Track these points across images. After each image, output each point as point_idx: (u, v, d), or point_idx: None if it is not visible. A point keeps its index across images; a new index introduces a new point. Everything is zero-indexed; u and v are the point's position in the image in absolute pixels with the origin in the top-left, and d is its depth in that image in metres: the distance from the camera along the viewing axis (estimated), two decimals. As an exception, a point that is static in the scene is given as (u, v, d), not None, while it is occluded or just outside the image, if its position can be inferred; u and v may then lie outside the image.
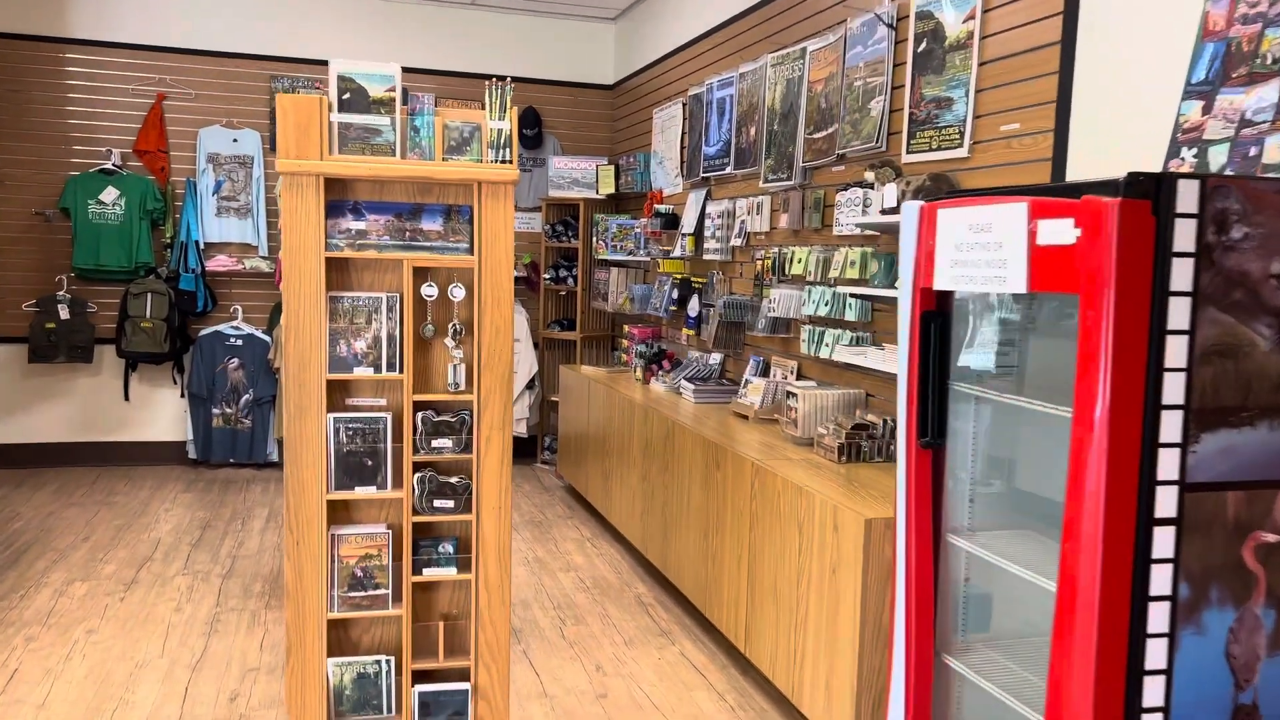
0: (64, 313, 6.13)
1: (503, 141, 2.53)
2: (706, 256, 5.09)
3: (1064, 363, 2.14)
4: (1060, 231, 1.77)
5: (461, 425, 2.56)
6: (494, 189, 2.59)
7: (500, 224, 2.59)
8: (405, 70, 6.75)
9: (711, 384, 4.78)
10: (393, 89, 2.39)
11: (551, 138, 7.08)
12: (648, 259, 6.02)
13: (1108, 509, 1.69)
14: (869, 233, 3.66)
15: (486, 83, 2.58)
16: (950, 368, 2.25)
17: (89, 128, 6.27)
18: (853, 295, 3.66)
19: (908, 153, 3.46)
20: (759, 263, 4.54)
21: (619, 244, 6.31)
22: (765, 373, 4.58)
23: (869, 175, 3.34)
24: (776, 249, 4.37)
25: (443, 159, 2.55)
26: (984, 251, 1.96)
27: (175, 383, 6.54)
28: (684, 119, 5.68)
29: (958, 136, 3.21)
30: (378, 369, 2.50)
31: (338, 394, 2.66)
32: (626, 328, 6.12)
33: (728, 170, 4.94)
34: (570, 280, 6.77)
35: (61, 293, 6.18)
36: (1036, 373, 2.23)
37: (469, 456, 2.63)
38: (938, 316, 2.20)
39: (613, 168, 6.51)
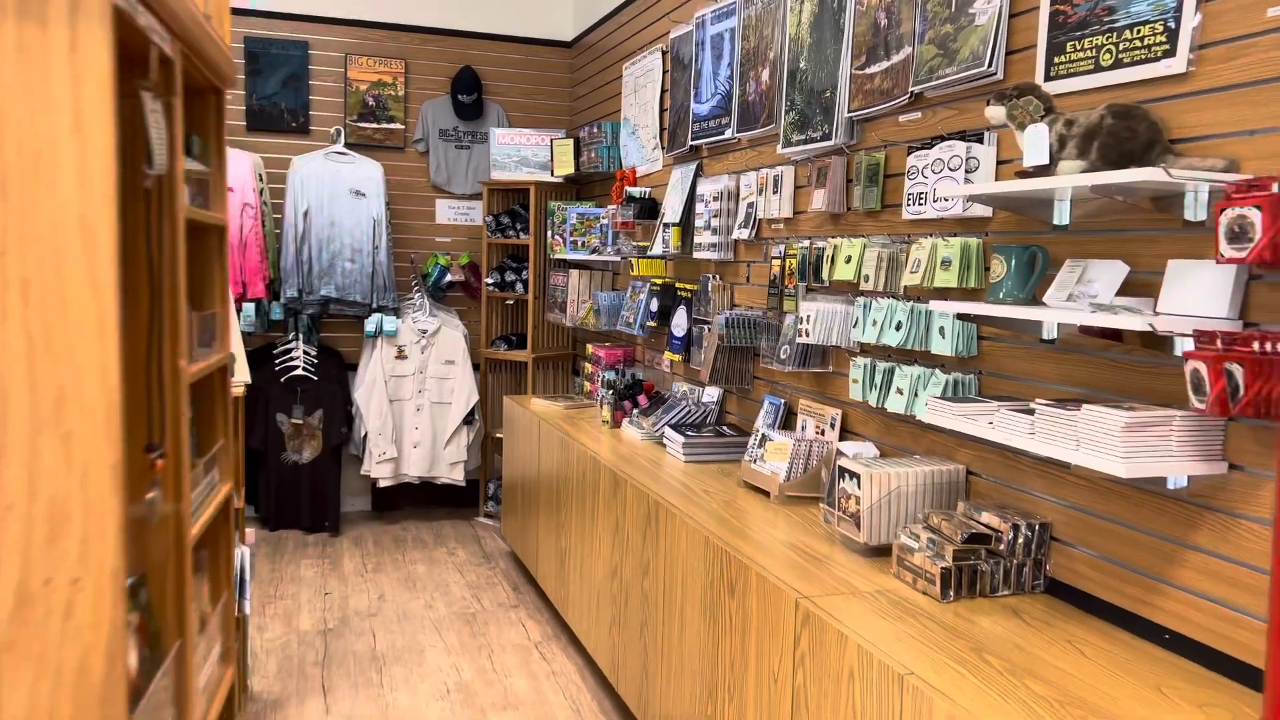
0: None
1: None
2: (698, 255, 3.69)
3: None
4: None
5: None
6: None
7: (42, 94, 1.11)
8: (300, 18, 5.28)
9: (708, 434, 3.38)
10: None
11: (495, 107, 5.64)
12: (618, 258, 4.61)
13: None
14: (977, 212, 2.27)
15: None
16: None
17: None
18: (956, 315, 2.27)
19: (1047, 78, 2.08)
20: (776, 263, 3.14)
21: (580, 239, 4.89)
22: (788, 423, 3.18)
23: (993, 113, 1.95)
24: (806, 242, 2.98)
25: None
26: None
27: None
28: (664, 71, 4.28)
29: (1163, 41, 1.82)
30: None
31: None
32: (590, 348, 4.71)
33: (728, 134, 3.54)
34: (519, 286, 5.34)
35: None
36: None
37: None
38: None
39: (571, 142, 5.09)
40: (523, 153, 5.35)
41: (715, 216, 3.58)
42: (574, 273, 4.95)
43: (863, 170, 2.69)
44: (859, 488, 2.27)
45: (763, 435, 2.94)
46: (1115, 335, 1.90)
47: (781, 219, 3.21)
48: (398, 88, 5.45)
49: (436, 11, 5.51)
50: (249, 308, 4.97)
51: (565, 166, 5.13)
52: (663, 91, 4.28)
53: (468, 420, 5.31)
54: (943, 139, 2.36)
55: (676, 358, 3.89)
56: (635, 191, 4.36)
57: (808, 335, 2.77)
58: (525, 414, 4.43)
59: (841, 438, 2.85)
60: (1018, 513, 2.13)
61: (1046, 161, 1.87)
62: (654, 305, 4.10)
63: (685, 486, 2.96)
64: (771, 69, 3.22)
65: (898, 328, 2.44)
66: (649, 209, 4.27)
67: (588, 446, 3.57)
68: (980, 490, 2.30)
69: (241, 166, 4.93)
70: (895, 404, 2.46)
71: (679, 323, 3.92)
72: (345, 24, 5.34)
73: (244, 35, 5.18)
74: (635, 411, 3.99)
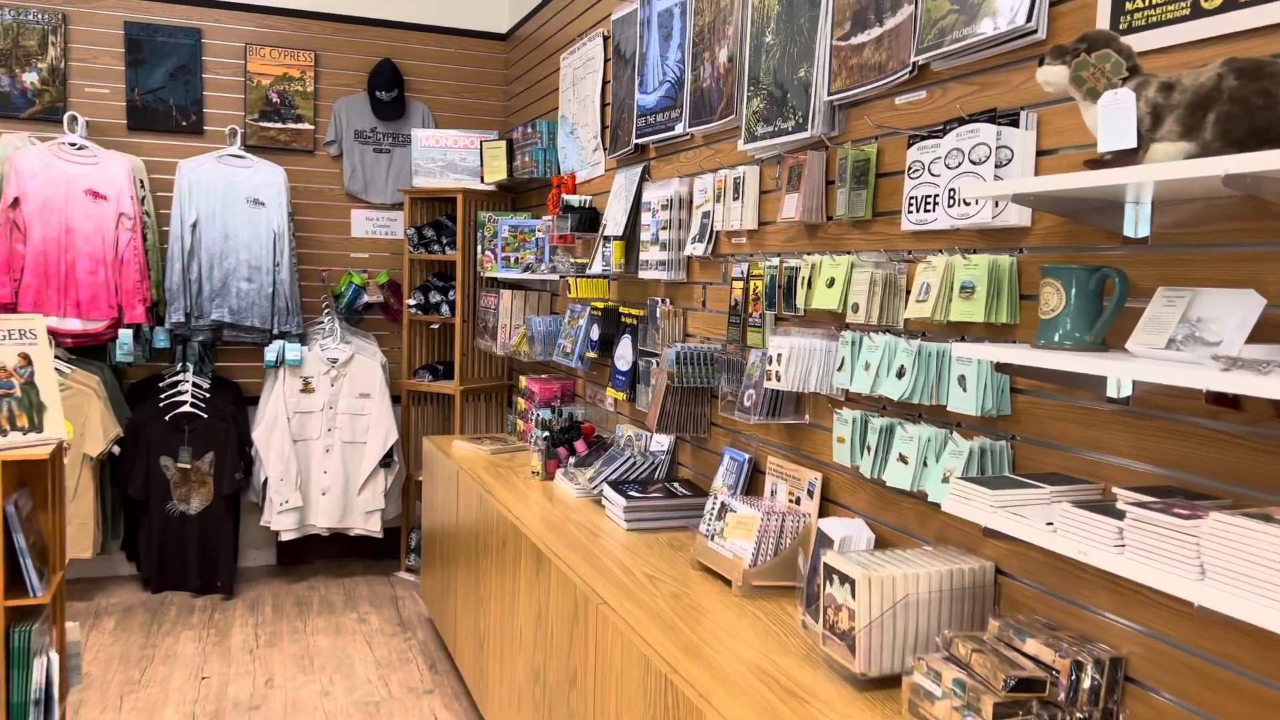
0: None
1: None
2: (645, 274, 3.08)
3: None
4: None
5: None
6: None
7: None
8: (193, 1, 4.60)
9: (655, 495, 2.75)
10: None
11: (419, 105, 4.99)
12: (555, 277, 3.98)
13: None
14: (1010, 220, 1.67)
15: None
16: None
17: None
18: (995, 366, 1.67)
19: (1116, 31, 1.49)
20: (738, 285, 2.54)
21: (513, 255, 4.26)
22: (754, 484, 2.56)
23: (1050, 75, 1.36)
24: (774, 260, 2.37)
25: None
26: None
27: None
28: (606, 59, 3.67)
29: (1305, -37, 1.24)
30: None
31: None
32: (524, 381, 4.07)
33: (678, 130, 2.94)
34: (445, 308, 4.68)
35: None
36: None
37: None
38: None
39: (504, 144, 4.46)
40: (449, 156, 4.71)
41: (664, 228, 2.96)
42: (506, 293, 4.32)
43: (848, 168, 2.09)
44: (853, 597, 1.65)
45: (722, 504, 2.31)
46: (1231, 400, 1.31)
47: (744, 231, 2.60)
48: (306, 83, 4.78)
49: (352, -3, 4.86)
50: (125, 335, 4.26)
51: (497, 172, 4.50)
52: (604, 83, 3.67)
53: (385, 462, 4.64)
54: (961, 122, 1.76)
55: (620, 396, 3.26)
56: (574, 200, 3.74)
57: (778, 379, 2.16)
58: (444, 461, 3.77)
59: (822, 509, 2.24)
60: (1074, 637, 1.52)
61: (1134, 144, 1.27)
62: (595, 333, 3.48)
63: (625, 569, 2.33)
64: (731, 47, 2.62)
65: (900, 374, 1.83)
66: (590, 220, 3.65)
67: (509, 509, 2.93)
68: (1016, 598, 1.70)
69: (116, 170, 4.23)
70: (898, 476, 1.85)
71: (623, 354, 3.29)
72: (245, 9, 4.67)
73: (124, 20, 4.49)
74: (571, 460, 3.36)
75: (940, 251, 1.85)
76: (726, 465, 2.61)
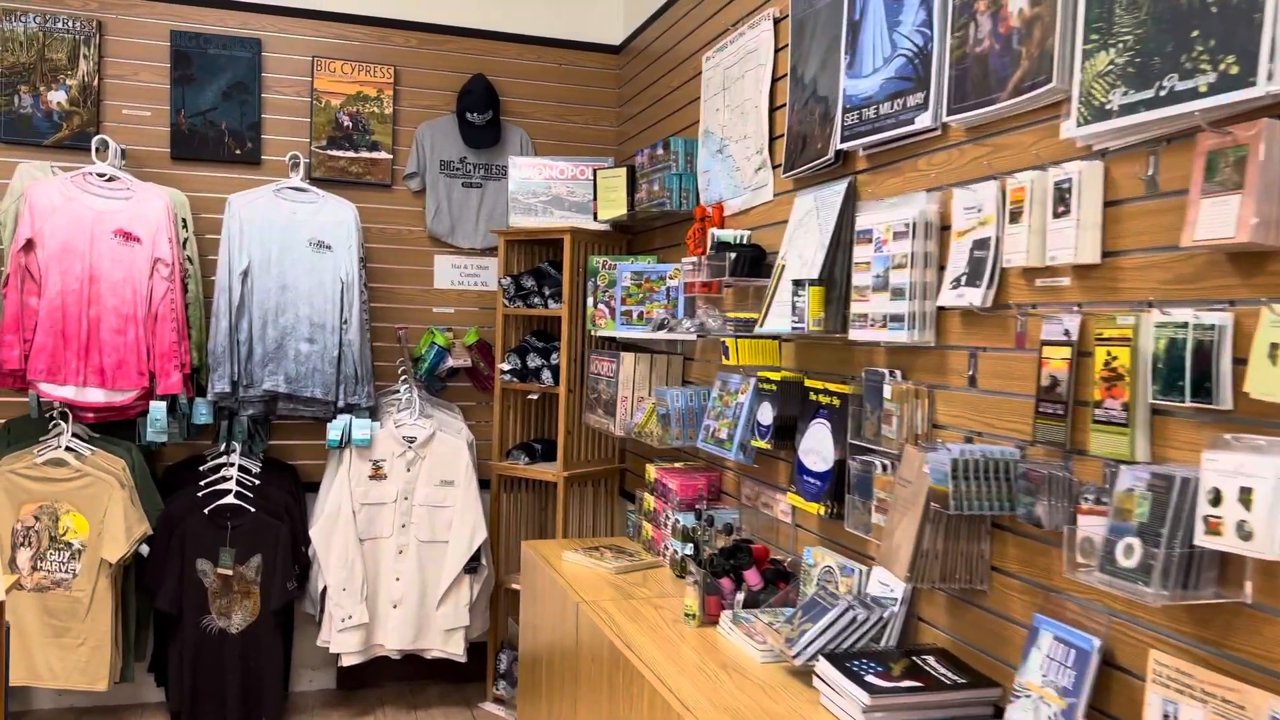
0: None
1: None
2: (860, 334, 2.11)
3: None
4: None
5: None
6: None
7: None
8: (251, 7, 3.85)
9: (912, 682, 1.75)
10: None
11: (517, 131, 4.15)
12: (694, 337, 3.04)
13: None
14: None
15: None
16: None
17: None
18: None
19: None
20: (1059, 354, 1.56)
21: (636, 309, 3.34)
22: (1102, 689, 1.54)
23: None
24: (1181, 312, 1.38)
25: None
26: None
27: None
28: (777, 49, 2.76)
29: None
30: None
31: None
32: (652, 471, 3.11)
33: (921, 123, 1.99)
34: (546, 374, 3.77)
35: None
36: None
37: None
38: None
39: (623, 173, 3.57)
40: (554, 190, 3.84)
41: (897, 268, 2.00)
42: (627, 357, 3.39)
43: (1388, 140, 1.11)
44: None
45: (1092, 744, 1.30)
46: None
47: (1068, 267, 1.63)
48: (384, 104, 3.98)
49: (439, 4, 4.07)
50: (158, 408, 3.43)
51: (614, 206, 3.61)
52: (774, 80, 2.76)
53: (471, 567, 3.70)
54: None
55: (816, 509, 2.28)
56: (727, 235, 2.82)
57: (1242, 534, 1.16)
58: (553, 579, 2.82)
59: (1305, 772, 1.22)
60: None
61: None
62: (766, 415, 2.52)
63: None
64: (1037, -17, 1.68)
65: None
66: (750, 260, 2.72)
67: (665, 684, 1.95)
68: None
69: (151, 207, 3.44)
70: None
71: (815, 449, 2.32)
72: (313, 16, 3.91)
73: (170, 28, 3.75)
74: (739, 598, 2.38)
75: None
76: (1049, 650, 1.60)
